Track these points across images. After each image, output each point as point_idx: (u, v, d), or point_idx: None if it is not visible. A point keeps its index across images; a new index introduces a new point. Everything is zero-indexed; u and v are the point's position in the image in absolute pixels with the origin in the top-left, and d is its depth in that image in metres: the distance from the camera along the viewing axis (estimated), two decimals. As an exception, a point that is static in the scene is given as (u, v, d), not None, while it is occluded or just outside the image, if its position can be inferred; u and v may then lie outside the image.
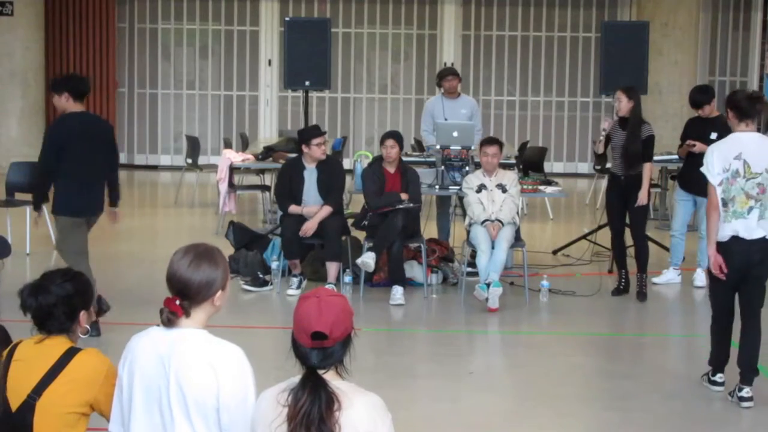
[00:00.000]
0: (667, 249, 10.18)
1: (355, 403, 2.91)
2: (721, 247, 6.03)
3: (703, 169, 6.13)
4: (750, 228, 6.01)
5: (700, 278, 8.92)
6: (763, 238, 6.04)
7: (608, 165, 9.23)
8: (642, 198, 8.57)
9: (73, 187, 7.18)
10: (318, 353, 2.94)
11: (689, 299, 8.99)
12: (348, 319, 2.99)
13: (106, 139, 7.37)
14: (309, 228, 8.44)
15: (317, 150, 8.52)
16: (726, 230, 6.03)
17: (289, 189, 8.61)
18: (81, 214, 7.28)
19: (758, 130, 6.23)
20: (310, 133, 8.71)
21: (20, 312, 3.67)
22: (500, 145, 8.80)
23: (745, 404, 6.09)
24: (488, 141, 8.81)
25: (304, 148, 8.61)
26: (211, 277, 3.21)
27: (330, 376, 2.95)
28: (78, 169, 7.14)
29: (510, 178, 8.74)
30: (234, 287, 8.81)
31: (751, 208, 6.01)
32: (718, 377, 6.36)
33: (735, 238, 6.02)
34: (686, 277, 9.21)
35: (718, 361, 6.36)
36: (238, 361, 3.18)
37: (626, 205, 8.68)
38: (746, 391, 6.10)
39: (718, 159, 6.04)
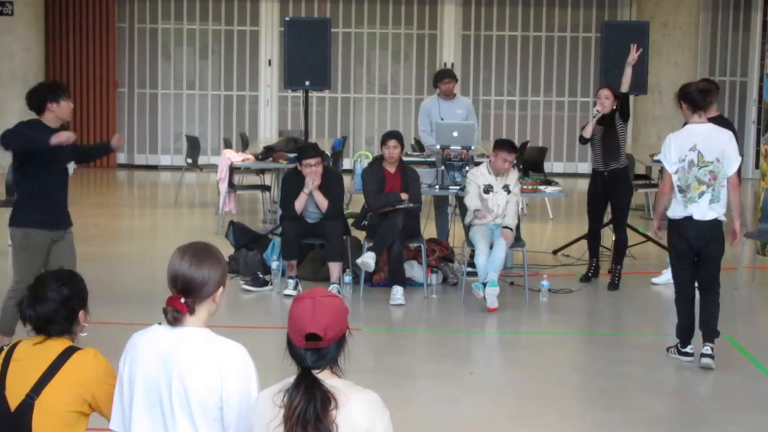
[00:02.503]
0: (667, 249, 10.17)
1: (352, 401, 2.91)
2: (678, 224, 6.70)
3: (660, 157, 6.85)
4: (702, 211, 6.63)
5: (665, 277, 9.11)
6: (715, 219, 6.67)
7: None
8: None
9: None
10: (312, 354, 2.95)
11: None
12: (342, 320, 2.99)
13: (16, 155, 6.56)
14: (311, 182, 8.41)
15: (305, 170, 8.46)
16: (683, 212, 6.66)
17: (293, 200, 8.57)
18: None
19: (720, 115, 6.96)
20: (303, 152, 8.66)
21: (22, 324, 3.65)
22: (516, 152, 8.76)
23: (705, 360, 6.74)
24: (509, 148, 8.60)
25: (298, 166, 8.61)
26: (213, 273, 3.23)
27: (325, 376, 2.95)
28: None
29: (513, 178, 8.69)
30: (234, 287, 8.81)
31: (702, 193, 6.62)
32: (689, 348, 6.88)
33: (689, 218, 6.66)
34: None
35: (683, 332, 6.90)
36: (241, 358, 3.19)
37: (608, 199, 9.08)
38: (707, 348, 6.77)
39: (675, 149, 6.69)
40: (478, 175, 8.63)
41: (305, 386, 2.89)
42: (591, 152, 9.15)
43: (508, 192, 8.57)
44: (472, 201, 8.55)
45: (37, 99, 6.44)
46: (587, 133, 8.93)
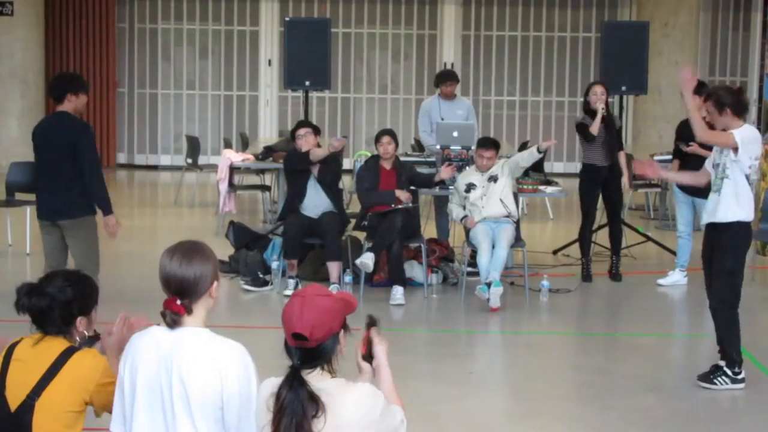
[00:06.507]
0: (667, 249, 10.18)
1: (342, 404, 2.89)
2: (750, 227, 6.38)
3: (746, 149, 6.18)
4: None
5: (671, 279, 9.15)
6: None
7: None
8: (626, 184, 9.30)
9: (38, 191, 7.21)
10: (301, 353, 2.94)
11: (694, 300, 8.90)
12: (333, 320, 2.96)
13: (64, 143, 6.97)
14: (318, 153, 8.51)
15: (298, 141, 8.63)
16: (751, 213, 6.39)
17: (297, 192, 8.63)
18: (40, 217, 7.21)
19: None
20: (295, 126, 8.89)
21: (16, 312, 3.65)
22: (497, 147, 8.76)
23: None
24: (485, 144, 8.73)
25: (295, 144, 8.74)
26: (205, 269, 3.22)
27: (316, 376, 2.94)
28: (37, 173, 7.17)
29: (498, 167, 8.64)
30: (234, 287, 8.81)
31: None
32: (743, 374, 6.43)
33: None
34: (693, 278, 9.09)
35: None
36: (241, 358, 3.19)
37: (604, 193, 9.21)
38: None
39: (758, 147, 6.30)
40: (461, 178, 8.70)
41: (290, 389, 2.88)
42: (588, 148, 9.12)
43: (495, 182, 8.55)
44: (453, 212, 8.70)
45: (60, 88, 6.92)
46: (595, 131, 8.93)
